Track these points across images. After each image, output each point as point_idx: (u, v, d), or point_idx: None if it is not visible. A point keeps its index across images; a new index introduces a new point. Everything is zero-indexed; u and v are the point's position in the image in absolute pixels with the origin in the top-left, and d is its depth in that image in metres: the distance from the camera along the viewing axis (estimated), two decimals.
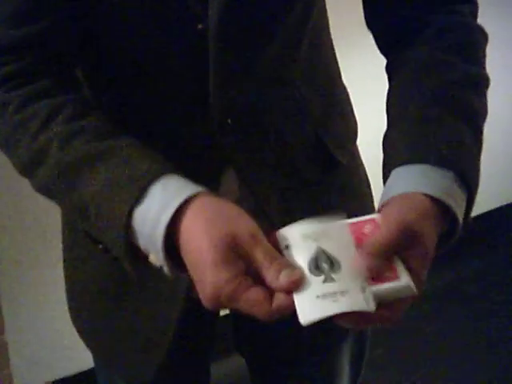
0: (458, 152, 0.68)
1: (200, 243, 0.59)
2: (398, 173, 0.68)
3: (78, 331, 0.97)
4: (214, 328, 1.00)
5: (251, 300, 0.58)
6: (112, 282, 0.87)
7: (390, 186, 0.68)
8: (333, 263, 0.59)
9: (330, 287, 0.58)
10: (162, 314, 0.85)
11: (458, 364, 2.02)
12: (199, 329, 0.95)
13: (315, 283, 0.58)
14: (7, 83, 0.70)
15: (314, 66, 0.84)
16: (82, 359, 1.85)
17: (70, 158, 0.66)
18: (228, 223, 0.60)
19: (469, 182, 0.67)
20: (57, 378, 1.96)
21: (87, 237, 0.70)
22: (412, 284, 0.59)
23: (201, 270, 0.59)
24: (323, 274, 0.59)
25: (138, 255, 0.64)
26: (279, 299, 0.58)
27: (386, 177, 0.70)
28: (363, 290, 0.57)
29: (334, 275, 0.58)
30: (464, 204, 0.67)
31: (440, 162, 0.67)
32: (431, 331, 2.08)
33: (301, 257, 0.60)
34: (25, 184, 1.83)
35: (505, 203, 2.57)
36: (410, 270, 0.61)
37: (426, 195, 0.64)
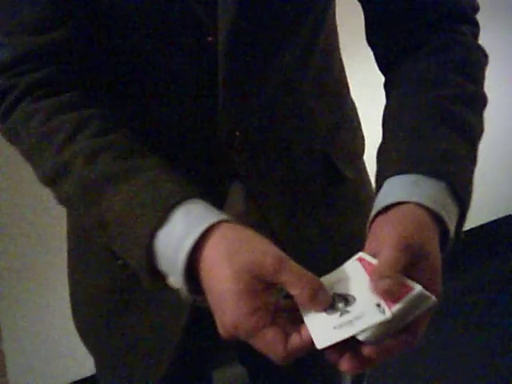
0: (451, 163, 0.68)
1: (222, 271, 0.59)
2: (390, 182, 0.68)
3: (81, 337, 0.96)
4: (218, 337, 1.00)
5: (268, 339, 0.58)
6: (117, 289, 0.87)
7: (383, 196, 0.68)
8: (348, 300, 0.60)
9: (345, 318, 0.59)
10: (168, 322, 0.85)
11: (458, 374, 2.02)
12: (203, 338, 0.95)
13: (331, 318, 0.59)
14: (33, 93, 0.70)
15: (324, 80, 0.85)
16: (79, 367, 1.84)
17: (95, 174, 0.66)
18: (251, 251, 0.60)
19: (460, 193, 0.67)
20: None
21: (108, 250, 0.69)
22: (427, 292, 0.59)
23: (222, 299, 0.59)
24: (339, 311, 0.60)
25: (157, 274, 0.64)
26: (294, 341, 0.58)
27: (378, 188, 0.70)
28: (378, 305, 0.58)
29: (349, 308, 0.60)
30: (456, 217, 0.67)
31: (432, 171, 0.67)
32: (433, 340, 2.08)
33: None
34: (23, 190, 1.82)
35: (506, 214, 2.57)
36: (423, 282, 0.60)
37: (417, 205, 0.64)
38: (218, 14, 0.71)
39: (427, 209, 0.64)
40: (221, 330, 0.60)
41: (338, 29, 0.88)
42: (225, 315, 0.59)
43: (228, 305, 0.58)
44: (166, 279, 0.64)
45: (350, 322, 0.58)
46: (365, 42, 0.85)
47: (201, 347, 0.98)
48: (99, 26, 0.72)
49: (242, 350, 1.05)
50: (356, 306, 0.59)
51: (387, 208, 0.66)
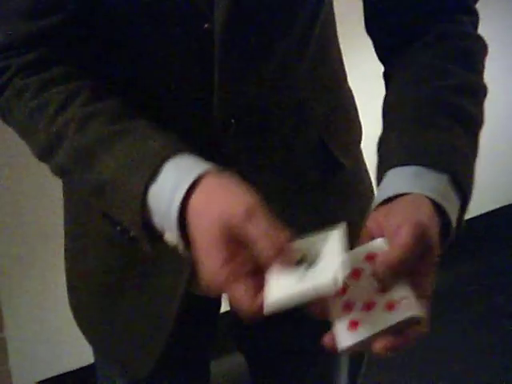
0: (453, 155, 0.68)
1: (200, 222, 0.60)
2: (391, 174, 0.68)
3: (78, 324, 0.97)
4: (215, 325, 1.00)
5: (239, 294, 0.58)
6: (112, 275, 0.87)
7: (384, 188, 0.68)
8: (314, 261, 0.60)
9: (303, 275, 0.58)
10: (161, 308, 0.86)
11: (457, 364, 2.02)
12: (199, 325, 0.95)
13: (291, 273, 0.58)
14: (23, 71, 0.71)
15: (320, 68, 0.84)
16: (81, 356, 1.85)
17: (87, 139, 0.67)
18: (224, 201, 0.60)
19: (462, 185, 0.67)
20: (55, 374, 1.96)
21: (105, 219, 0.70)
22: (421, 310, 0.59)
23: (200, 250, 0.60)
24: (302, 267, 0.59)
25: (155, 233, 0.65)
26: (261, 298, 0.58)
27: (379, 179, 0.70)
28: (335, 272, 0.57)
29: (311, 267, 0.59)
30: (457, 208, 0.67)
31: (434, 163, 0.67)
32: (430, 332, 2.09)
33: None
34: (24, 181, 1.83)
35: (504, 204, 2.57)
36: (423, 274, 0.61)
37: (423, 196, 0.64)
38: (214, 1, 0.70)
39: (429, 200, 0.64)
40: (203, 281, 0.60)
41: (338, 18, 0.88)
42: (203, 266, 0.59)
43: (205, 255, 0.59)
44: (163, 237, 0.65)
45: (304, 278, 0.57)
46: (364, 31, 0.85)
47: (197, 335, 0.98)
48: (94, 12, 0.72)
49: (240, 338, 1.05)
50: (318, 267, 0.58)
51: (388, 200, 0.66)
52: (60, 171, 0.71)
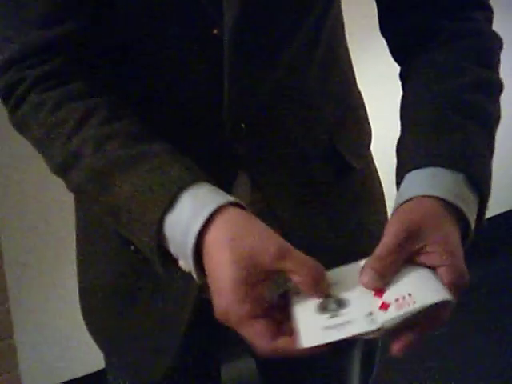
0: (469, 154, 0.69)
1: (223, 256, 0.60)
2: (409, 177, 0.69)
3: (89, 330, 0.97)
4: (225, 330, 1.00)
5: (256, 330, 0.59)
6: (123, 282, 0.88)
7: (403, 191, 0.68)
8: (341, 303, 0.61)
9: (335, 321, 0.59)
10: (173, 315, 0.86)
11: (461, 369, 2.02)
12: (210, 330, 0.95)
13: (321, 318, 0.59)
14: (41, 84, 0.71)
15: (329, 71, 0.85)
16: (90, 361, 1.86)
17: (103, 162, 0.67)
18: (254, 237, 0.60)
19: (479, 184, 0.68)
20: (65, 380, 1.96)
21: (120, 237, 0.71)
22: (429, 303, 0.59)
23: (219, 283, 0.60)
24: (330, 312, 0.60)
25: (168, 257, 0.65)
26: (284, 340, 0.59)
27: (399, 182, 0.71)
28: (370, 314, 0.58)
29: (340, 311, 0.60)
30: (476, 207, 0.68)
31: (450, 164, 0.67)
32: (436, 336, 2.08)
33: (309, 301, 0.61)
34: (32, 187, 1.83)
35: (507, 209, 2.57)
36: (438, 266, 0.62)
37: (434, 197, 0.65)
38: (223, 7, 0.71)
39: (446, 202, 0.65)
40: (215, 314, 0.61)
41: (347, 23, 0.88)
42: (219, 299, 0.60)
43: (223, 289, 0.59)
44: (177, 262, 0.65)
45: (339, 326, 0.58)
46: (375, 34, 0.85)
47: (207, 341, 0.98)
48: (106, 18, 0.72)
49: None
50: (348, 310, 0.59)
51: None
52: (75, 189, 0.71)
